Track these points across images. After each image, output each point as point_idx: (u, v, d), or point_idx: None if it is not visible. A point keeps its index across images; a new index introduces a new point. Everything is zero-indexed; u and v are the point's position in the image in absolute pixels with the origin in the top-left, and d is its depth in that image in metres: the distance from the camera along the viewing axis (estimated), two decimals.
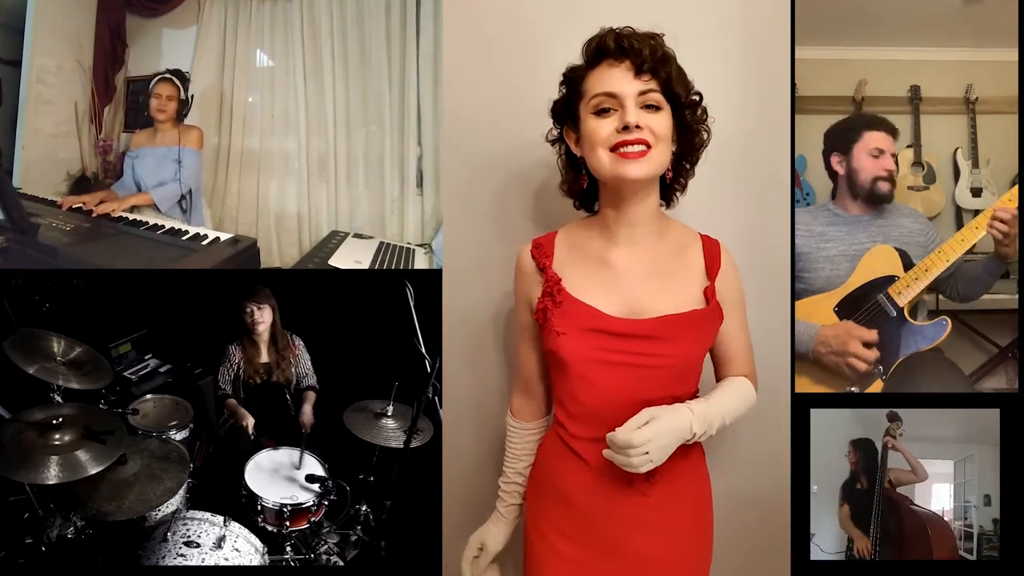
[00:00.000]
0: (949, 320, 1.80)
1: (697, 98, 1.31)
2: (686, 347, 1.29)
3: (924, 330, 1.80)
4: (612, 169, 1.23)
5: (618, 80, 1.23)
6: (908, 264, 1.81)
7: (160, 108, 2.05)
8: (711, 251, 1.36)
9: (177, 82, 2.08)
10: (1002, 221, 1.73)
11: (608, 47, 1.24)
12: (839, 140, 1.86)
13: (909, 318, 1.80)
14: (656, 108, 1.24)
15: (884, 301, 1.79)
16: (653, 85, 1.24)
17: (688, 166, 1.36)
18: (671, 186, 1.37)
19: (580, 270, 1.33)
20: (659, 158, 1.24)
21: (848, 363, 1.76)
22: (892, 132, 1.87)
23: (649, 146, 1.22)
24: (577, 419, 1.32)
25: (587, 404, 1.30)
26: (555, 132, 1.40)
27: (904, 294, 1.78)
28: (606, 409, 1.28)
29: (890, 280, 1.80)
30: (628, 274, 1.31)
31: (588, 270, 1.33)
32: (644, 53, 1.23)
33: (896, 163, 1.86)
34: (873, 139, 1.84)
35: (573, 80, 1.31)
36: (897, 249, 1.81)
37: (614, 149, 1.22)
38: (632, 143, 1.20)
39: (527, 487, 1.48)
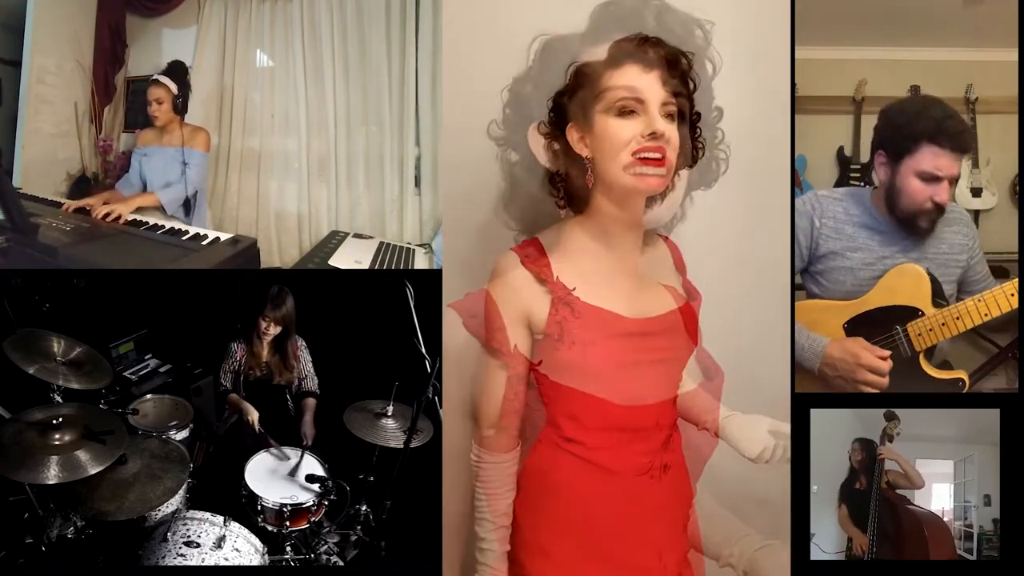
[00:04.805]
0: (967, 379, 1.61)
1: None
2: (691, 338, 1.36)
3: (935, 385, 1.60)
4: (631, 182, 1.20)
5: (646, 85, 1.19)
6: (938, 292, 1.58)
7: (153, 113, 2.06)
8: (675, 250, 1.45)
9: (166, 82, 2.08)
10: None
11: (644, 53, 1.21)
12: (892, 137, 1.62)
13: (923, 364, 1.60)
14: (673, 118, 1.22)
15: (900, 338, 1.59)
16: (674, 97, 1.22)
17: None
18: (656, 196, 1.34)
19: (581, 276, 1.29)
20: (671, 170, 1.23)
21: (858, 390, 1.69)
22: (961, 149, 1.54)
23: (666, 156, 1.19)
24: (596, 431, 1.30)
25: (611, 411, 1.28)
26: (545, 125, 1.29)
27: (925, 337, 1.55)
28: (636, 408, 1.30)
29: (913, 313, 1.57)
30: (624, 276, 1.31)
31: (589, 275, 1.29)
32: (674, 67, 1.22)
33: (954, 188, 1.55)
34: (930, 157, 1.53)
35: (588, 75, 1.23)
36: (929, 274, 1.56)
37: (635, 154, 1.18)
38: (653, 150, 1.18)
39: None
